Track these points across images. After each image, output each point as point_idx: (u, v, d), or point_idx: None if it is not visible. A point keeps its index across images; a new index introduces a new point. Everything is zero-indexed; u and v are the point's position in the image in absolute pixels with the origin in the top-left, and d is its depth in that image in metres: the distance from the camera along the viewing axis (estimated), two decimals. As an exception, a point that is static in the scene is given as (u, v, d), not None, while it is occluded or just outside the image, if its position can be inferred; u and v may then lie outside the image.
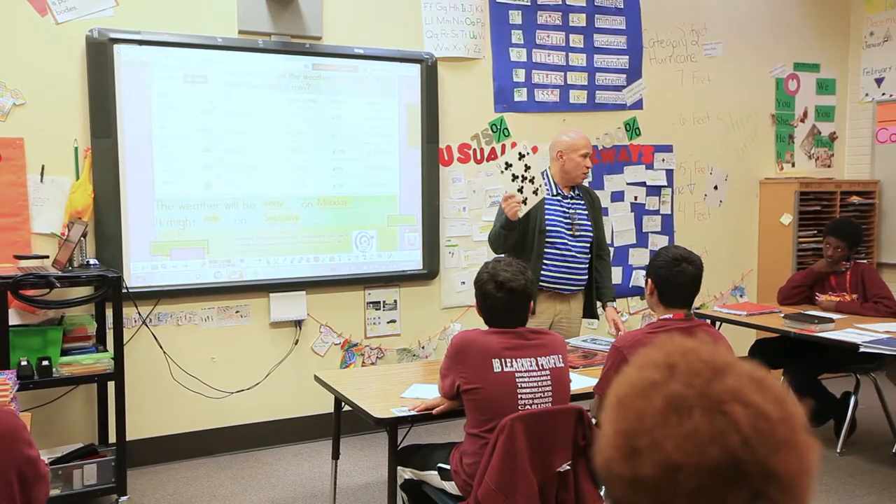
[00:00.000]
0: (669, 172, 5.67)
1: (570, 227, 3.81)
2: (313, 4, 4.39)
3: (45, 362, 3.30)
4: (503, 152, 5.01)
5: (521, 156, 3.68)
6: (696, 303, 5.48)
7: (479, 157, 4.96)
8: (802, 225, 5.86)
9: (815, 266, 4.71)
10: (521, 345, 2.51)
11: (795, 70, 6.19)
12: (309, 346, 4.45)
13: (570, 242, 3.80)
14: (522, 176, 3.64)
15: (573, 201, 3.89)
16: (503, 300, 2.54)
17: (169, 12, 4.04)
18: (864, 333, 3.88)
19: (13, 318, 3.38)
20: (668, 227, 5.67)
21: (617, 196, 5.46)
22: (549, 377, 2.51)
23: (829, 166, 6.40)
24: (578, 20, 5.28)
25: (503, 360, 2.47)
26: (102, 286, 3.46)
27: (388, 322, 4.69)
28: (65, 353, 3.46)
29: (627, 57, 5.47)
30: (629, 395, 0.82)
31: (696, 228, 5.78)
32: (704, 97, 5.78)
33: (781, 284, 5.00)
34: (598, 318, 4.06)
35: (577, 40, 5.28)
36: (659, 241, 5.62)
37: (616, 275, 5.45)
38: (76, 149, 3.86)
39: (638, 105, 5.53)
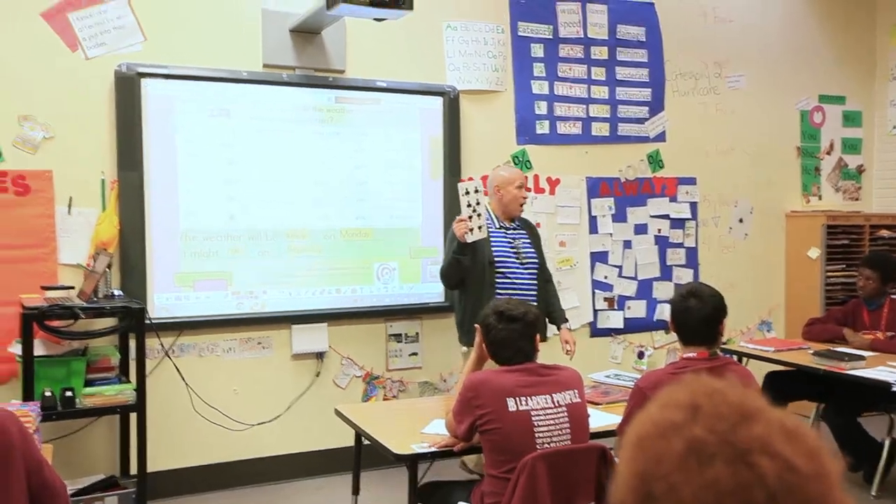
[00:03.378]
0: (693, 205, 5.62)
1: (516, 255, 3.96)
2: (337, 38, 4.44)
3: (69, 393, 3.31)
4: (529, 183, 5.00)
5: (476, 190, 3.78)
6: (724, 338, 5.42)
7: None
8: (830, 259, 5.77)
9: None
10: (536, 382, 2.48)
11: (821, 102, 6.15)
12: (331, 379, 4.43)
13: (518, 271, 3.95)
14: (473, 208, 3.76)
15: (516, 232, 4.06)
16: (506, 331, 2.53)
17: (195, 47, 4.11)
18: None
19: (38, 349, 3.41)
20: (692, 260, 5.62)
21: (640, 229, 5.42)
22: (565, 414, 2.47)
23: (856, 199, 6.33)
24: (600, 53, 5.29)
25: (518, 398, 2.44)
26: (126, 317, 3.48)
27: (409, 355, 4.66)
28: (88, 383, 3.47)
29: (650, 89, 5.47)
30: (649, 435, 0.78)
31: (721, 262, 5.72)
32: (728, 129, 5.75)
33: (809, 318, 4.93)
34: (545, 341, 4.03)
35: (599, 73, 5.29)
36: (683, 275, 5.56)
37: (640, 308, 5.41)
38: (103, 181, 3.91)
39: (661, 137, 5.51)
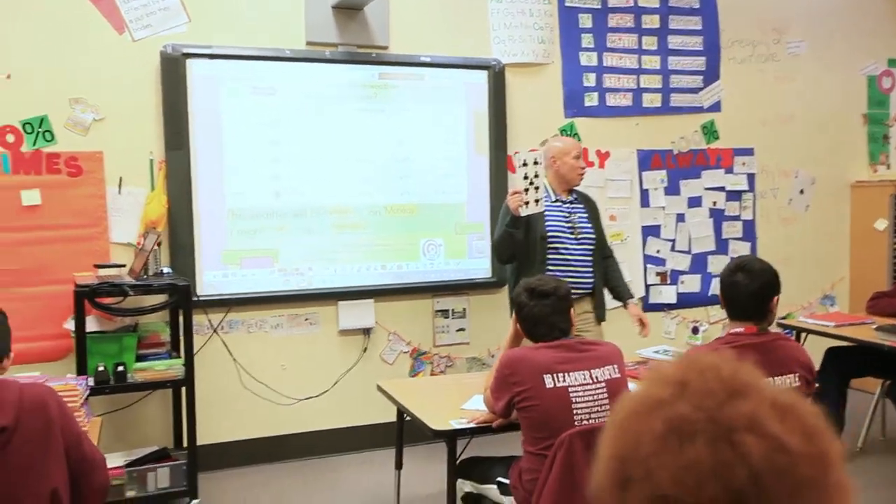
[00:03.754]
0: (751, 176, 5.44)
1: (571, 230, 3.77)
2: (380, 14, 4.41)
3: (121, 368, 3.40)
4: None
5: (536, 162, 3.59)
6: (782, 312, 5.24)
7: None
8: (899, 230, 5.51)
9: None
10: (573, 358, 2.43)
11: (890, 66, 5.86)
12: (378, 354, 4.45)
13: (571, 247, 3.76)
14: (531, 180, 3.57)
15: (572, 205, 3.87)
16: (538, 307, 2.48)
17: (239, 26, 4.14)
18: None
19: (92, 325, 3.51)
20: (749, 233, 5.44)
21: (694, 201, 5.27)
22: (605, 390, 2.42)
23: (927, 167, 6.02)
24: (651, 22, 5.14)
25: (555, 374, 2.39)
26: (173, 294, 3.55)
27: (456, 330, 4.65)
28: (140, 358, 3.56)
29: (704, 58, 5.29)
30: (631, 414, 0.73)
31: (780, 235, 5.53)
32: (788, 97, 5.53)
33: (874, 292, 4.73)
34: (604, 321, 3.92)
35: (650, 42, 5.14)
36: (739, 248, 5.39)
37: (694, 283, 5.27)
38: (151, 161, 3.99)
39: (716, 107, 5.33)
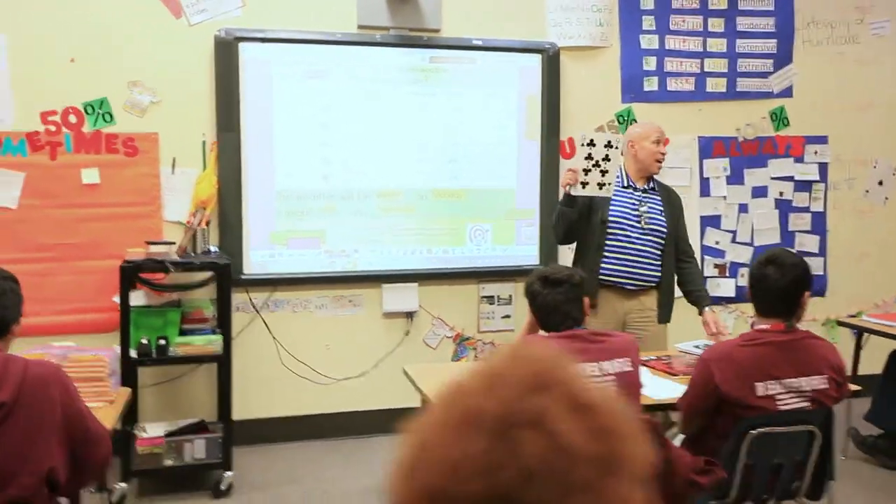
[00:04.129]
0: (823, 166, 5.16)
1: (637, 219, 3.61)
2: (432, -3, 4.39)
3: (163, 341, 3.54)
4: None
5: (609, 145, 3.48)
6: (853, 310, 4.98)
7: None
8: None
9: None
10: (583, 349, 2.37)
11: None
12: (420, 338, 4.47)
13: (634, 235, 3.60)
14: (596, 162, 3.45)
15: (646, 194, 3.70)
16: (551, 296, 2.43)
17: (291, 10, 4.20)
18: None
19: (139, 300, 3.67)
20: (819, 226, 5.17)
21: (759, 192, 5.05)
22: (614, 383, 2.36)
23: None
24: (719, 2, 4.93)
25: None
26: (215, 272, 3.67)
27: (502, 317, 4.62)
28: (183, 333, 3.69)
29: (776, 40, 5.04)
30: (440, 402, 0.71)
31: (854, 228, 5.23)
32: (868, 82, 5.21)
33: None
34: (667, 321, 3.75)
35: (716, 24, 4.93)
36: (807, 241, 5.14)
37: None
38: (203, 142, 4.11)
39: (787, 93, 5.08)
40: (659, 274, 3.68)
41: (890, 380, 4.04)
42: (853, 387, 2.92)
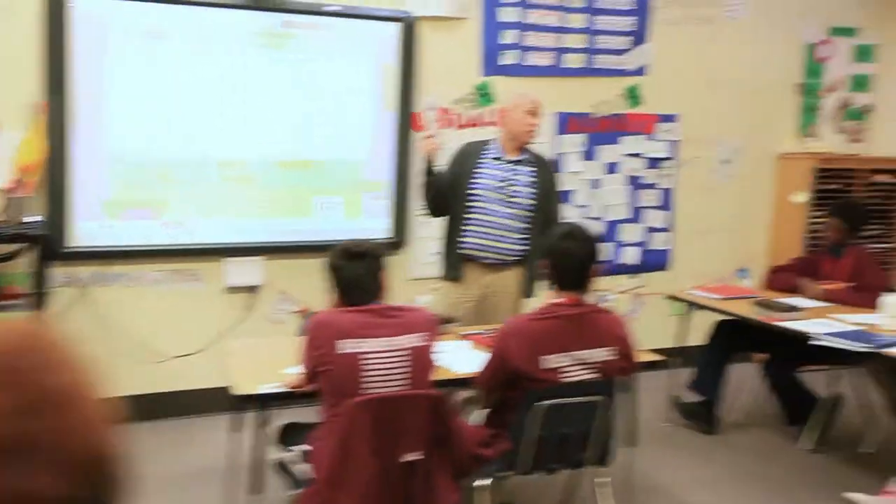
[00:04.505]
0: (673, 144, 5.32)
1: (502, 191, 3.58)
2: (282, -42, 4.19)
3: (-28, 321, 3.32)
4: (488, 117, 4.78)
5: None
6: (697, 284, 5.21)
7: (460, 123, 4.73)
8: (820, 205, 5.44)
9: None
10: (376, 323, 2.37)
11: (831, 35, 5.68)
12: (264, 314, 4.39)
13: (496, 207, 3.58)
14: None
15: (517, 166, 3.66)
16: (351, 269, 2.41)
17: (126, -35, 3.90)
18: (833, 324, 3.59)
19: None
20: (667, 202, 5.36)
21: (611, 168, 5.17)
22: (406, 357, 2.36)
23: (859, 141, 5.92)
24: (579, -23, 4.92)
25: (352, 339, 2.33)
26: (30, 244, 3.45)
27: (352, 290, 4.58)
28: (-6, 310, 3.48)
29: (634, 18, 5.10)
30: None
31: (699, 204, 5.45)
32: (721, 64, 5.37)
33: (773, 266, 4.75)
34: (531, 296, 3.78)
35: (576, 0, 4.94)
36: (655, 217, 5.33)
37: (607, 252, 5.21)
38: (30, 104, 3.82)
39: (641, 71, 5.17)
40: (523, 248, 3.65)
41: (711, 350, 4.28)
42: (651, 357, 3.04)
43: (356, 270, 2.42)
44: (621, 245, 5.26)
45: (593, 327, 2.51)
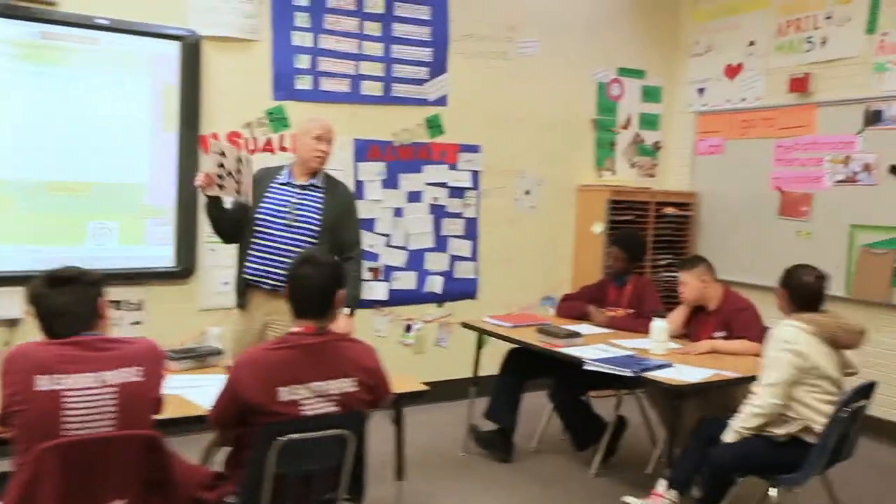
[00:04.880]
0: (475, 174, 5.38)
1: (285, 215, 3.43)
2: (45, -35, 3.91)
3: None
4: (281, 143, 4.63)
5: (240, 160, 3.34)
6: (502, 312, 5.21)
7: (251, 147, 4.55)
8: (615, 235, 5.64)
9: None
10: (84, 357, 2.07)
11: (620, 75, 6.01)
12: (25, 350, 3.93)
13: (279, 233, 3.43)
14: (229, 171, 3.27)
15: (307, 191, 3.54)
16: (55, 298, 2.10)
17: None
18: (608, 350, 3.63)
19: None
20: (471, 231, 5.38)
21: (414, 196, 5.13)
22: (115, 395, 2.08)
23: (652, 176, 6.25)
24: (375, 6, 4.94)
25: (53, 375, 2.03)
26: None
27: (131, 323, 4.22)
28: None
29: (431, 49, 5.16)
30: None
31: (504, 234, 5.52)
32: (518, 97, 5.52)
33: (564, 294, 4.84)
34: None
35: (373, 28, 4.94)
36: (460, 246, 5.32)
37: (409, 280, 5.14)
38: None
39: (442, 101, 5.22)
40: None
41: (504, 378, 4.24)
42: (416, 388, 2.89)
43: (61, 298, 2.10)
44: (427, 274, 5.20)
45: (335, 357, 2.31)
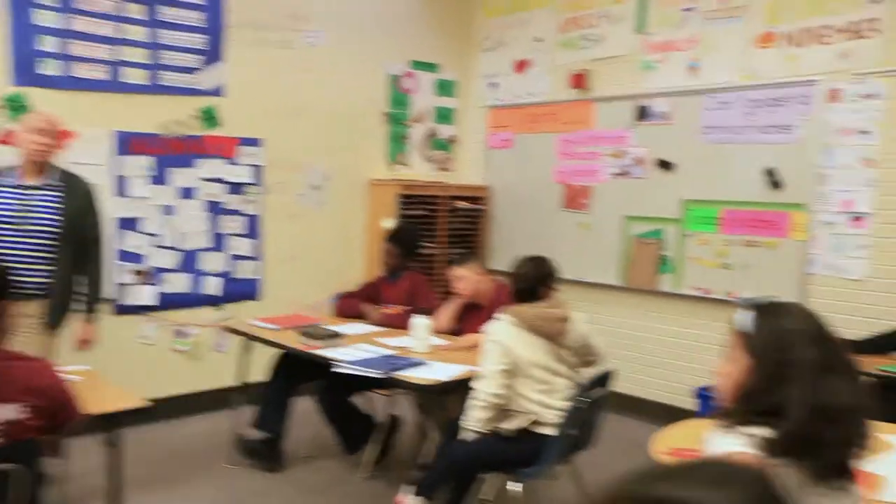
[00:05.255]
0: (258, 169, 5.11)
1: (16, 220, 3.21)
2: None
3: None
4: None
5: None
6: (288, 312, 4.98)
7: (-12, 139, 4.06)
8: (410, 230, 5.56)
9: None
10: None
11: (413, 68, 5.93)
12: None
13: (15, 240, 3.22)
14: None
15: (40, 191, 3.29)
16: None
17: None
18: (368, 350, 3.51)
19: None
20: (253, 229, 5.11)
21: (187, 193, 4.80)
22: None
23: (447, 170, 6.23)
24: (138, -13, 4.56)
25: None
26: None
27: None
28: None
29: (205, 36, 4.84)
30: None
31: (290, 231, 5.29)
32: (304, 88, 5.30)
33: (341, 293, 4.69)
34: (58, 327, 3.38)
35: (135, 10, 4.55)
36: (241, 245, 5.04)
37: (182, 282, 4.80)
38: None
39: (218, 92, 4.91)
40: (47, 280, 3.28)
41: (272, 384, 4.03)
42: (138, 405, 2.63)
43: None
44: (201, 274, 4.88)
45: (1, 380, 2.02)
